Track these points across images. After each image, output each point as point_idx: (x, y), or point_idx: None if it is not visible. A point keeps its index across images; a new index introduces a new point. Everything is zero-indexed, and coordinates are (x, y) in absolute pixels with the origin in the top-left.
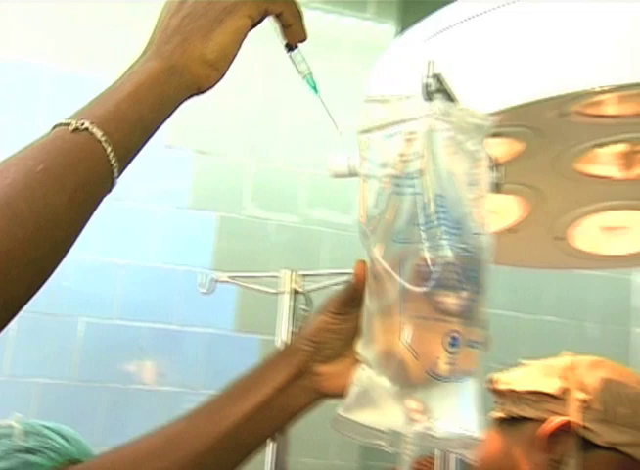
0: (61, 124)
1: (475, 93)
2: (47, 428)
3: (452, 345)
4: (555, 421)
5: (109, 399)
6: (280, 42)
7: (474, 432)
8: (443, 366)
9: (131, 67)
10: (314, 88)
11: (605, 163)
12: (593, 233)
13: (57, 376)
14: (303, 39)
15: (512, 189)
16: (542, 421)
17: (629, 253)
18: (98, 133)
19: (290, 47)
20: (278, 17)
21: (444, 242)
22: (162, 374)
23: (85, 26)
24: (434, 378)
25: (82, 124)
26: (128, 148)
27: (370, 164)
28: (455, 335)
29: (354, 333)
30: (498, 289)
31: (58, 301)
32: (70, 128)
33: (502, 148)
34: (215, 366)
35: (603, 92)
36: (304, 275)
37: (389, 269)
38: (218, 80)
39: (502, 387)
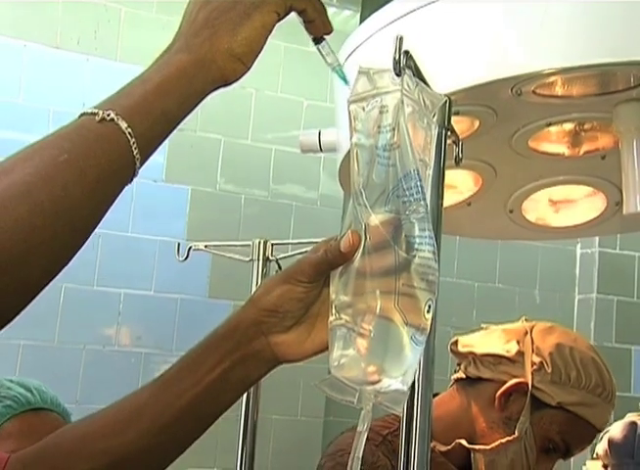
0: (87, 113)
1: (434, 73)
2: (9, 380)
3: (428, 311)
4: (510, 382)
5: (88, 359)
6: (307, 36)
7: (407, 386)
8: (421, 333)
9: (160, 58)
10: (344, 79)
11: (555, 141)
12: (542, 206)
13: (39, 338)
14: (328, 32)
15: (468, 164)
16: (499, 382)
17: (575, 224)
18: (123, 125)
19: (317, 40)
20: (302, 13)
21: (425, 215)
22: (139, 337)
23: (60, 5)
24: (414, 344)
25: (108, 115)
26: (151, 140)
27: (358, 134)
28: (430, 303)
29: (316, 299)
30: (455, 259)
31: None
32: (97, 118)
33: (460, 125)
34: (189, 330)
35: (552, 74)
36: (275, 244)
37: (388, 238)
38: (244, 73)
39: (463, 349)
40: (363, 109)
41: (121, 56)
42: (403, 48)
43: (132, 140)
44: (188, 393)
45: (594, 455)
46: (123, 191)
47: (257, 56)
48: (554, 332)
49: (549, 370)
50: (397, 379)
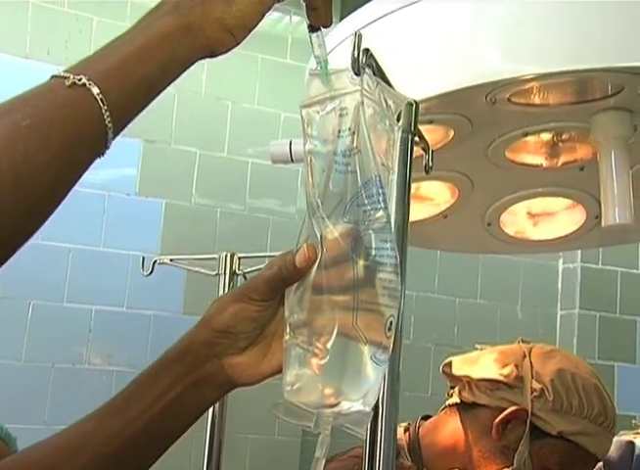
0: (58, 76)
1: (406, 80)
2: None
3: (389, 329)
4: (508, 410)
5: (57, 378)
6: (305, 21)
7: (370, 407)
8: (382, 352)
9: (145, 17)
10: (325, 75)
11: (532, 151)
12: (521, 219)
13: (5, 356)
14: (327, 24)
15: (444, 176)
16: (496, 408)
17: (555, 237)
18: (95, 90)
19: (313, 28)
20: None
21: (387, 225)
22: (110, 355)
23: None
24: (375, 363)
25: (80, 80)
26: (127, 108)
27: (313, 140)
28: (392, 320)
29: (271, 318)
30: (436, 274)
31: (7, 284)
32: (67, 83)
33: (434, 135)
34: (163, 348)
35: (528, 80)
36: (242, 257)
37: (347, 250)
38: (232, 47)
39: (457, 373)
40: (318, 112)
41: None
42: (364, 44)
43: (104, 107)
44: (137, 420)
45: None
46: (94, 205)
47: (249, 32)
48: (554, 356)
49: (550, 398)
50: (357, 401)
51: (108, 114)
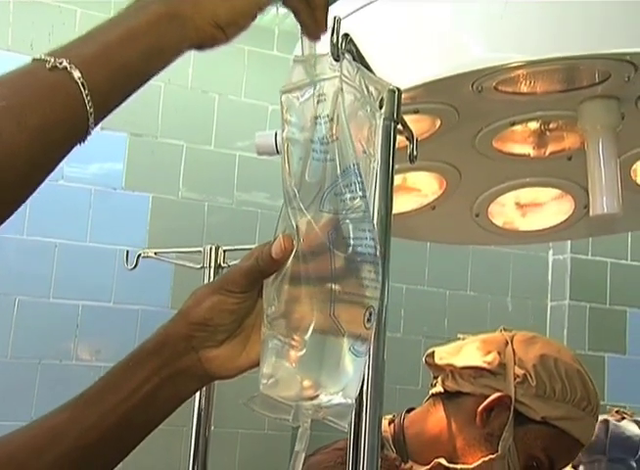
0: (39, 59)
1: (390, 69)
2: None
3: (369, 320)
4: (492, 396)
5: (44, 375)
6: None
7: (352, 399)
8: (362, 343)
9: (132, 4)
10: (310, 74)
11: (520, 141)
12: (509, 210)
13: None
14: (319, 33)
15: (431, 166)
16: (480, 396)
17: (543, 228)
18: (76, 74)
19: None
20: (295, 13)
21: (367, 215)
22: (98, 350)
23: None
24: (354, 355)
25: (61, 63)
26: (109, 94)
27: (291, 127)
28: (371, 311)
29: (250, 311)
30: (426, 266)
31: None
32: (47, 66)
33: (420, 125)
34: None
35: (514, 68)
36: (227, 250)
37: (324, 240)
38: (221, 44)
39: (440, 362)
40: (297, 99)
41: None
42: (346, 31)
43: (85, 91)
44: (112, 413)
45: None
46: (81, 199)
47: (241, 31)
48: (536, 342)
49: (533, 383)
50: (337, 394)
51: (89, 98)
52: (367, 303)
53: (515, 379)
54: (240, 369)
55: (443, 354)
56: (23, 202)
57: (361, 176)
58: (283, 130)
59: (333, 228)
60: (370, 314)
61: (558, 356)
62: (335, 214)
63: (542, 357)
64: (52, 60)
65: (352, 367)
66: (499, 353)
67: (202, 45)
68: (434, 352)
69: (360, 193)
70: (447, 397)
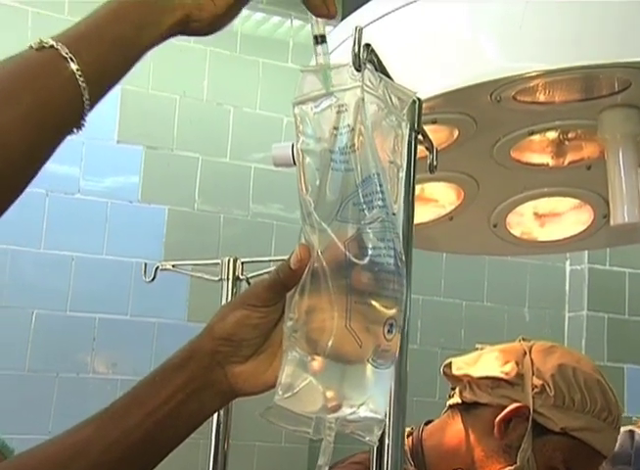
0: (29, 47)
1: (408, 79)
2: None
3: (390, 332)
4: (510, 407)
5: (61, 388)
6: (310, 31)
7: (380, 414)
8: (382, 354)
9: None
10: (326, 85)
11: (538, 151)
12: (527, 220)
13: (9, 367)
14: (330, 15)
15: (449, 176)
16: (498, 407)
17: (562, 238)
18: (64, 50)
19: (317, 40)
20: None
21: (385, 224)
22: (115, 363)
23: None
24: (374, 366)
25: (47, 42)
26: (102, 69)
27: (306, 138)
28: (392, 322)
29: (275, 325)
30: (442, 277)
31: (10, 293)
32: (35, 46)
33: (438, 135)
34: (167, 356)
35: (533, 77)
36: (245, 262)
37: (342, 250)
38: (210, 18)
39: (457, 372)
40: (311, 109)
41: None
42: (363, 41)
43: (75, 67)
44: (137, 428)
45: None
46: (97, 212)
47: (230, 6)
48: (555, 352)
49: (551, 394)
50: (361, 406)
51: (80, 73)
52: (387, 313)
53: (533, 389)
54: (266, 385)
55: (461, 365)
56: (21, 189)
57: (382, 186)
58: (297, 142)
59: (350, 238)
60: (391, 326)
61: (577, 366)
62: (353, 224)
63: (560, 367)
64: (39, 40)
65: (374, 379)
66: (517, 364)
67: (189, 16)
68: (451, 363)
69: (380, 203)
70: (465, 408)
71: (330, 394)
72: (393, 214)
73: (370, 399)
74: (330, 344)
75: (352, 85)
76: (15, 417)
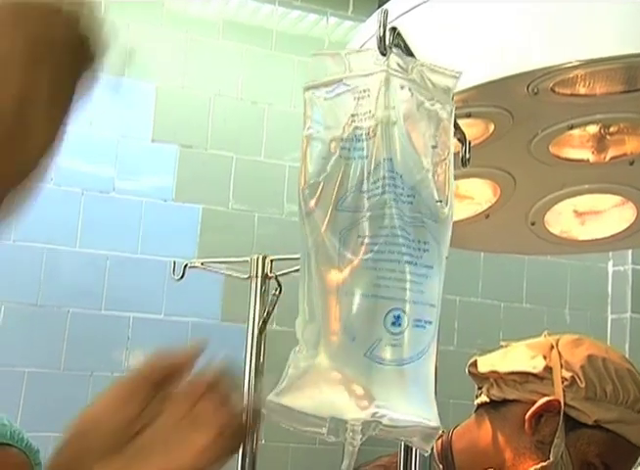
0: None
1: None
2: None
3: (394, 324)
4: (540, 402)
5: (96, 387)
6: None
7: (430, 421)
8: (385, 348)
9: None
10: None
11: (578, 146)
12: (567, 218)
13: (44, 365)
14: None
15: (485, 173)
16: (527, 402)
17: (603, 237)
18: None
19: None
20: None
21: (391, 210)
22: None
23: None
24: (374, 362)
25: None
26: None
27: (314, 124)
28: (398, 313)
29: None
30: (480, 278)
31: (46, 292)
32: None
33: (473, 129)
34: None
35: (572, 68)
36: (275, 259)
37: (332, 240)
38: None
39: (484, 370)
40: (324, 95)
41: None
42: (389, 24)
43: None
44: None
45: None
46: (131, 211)
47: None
48: (582, 344)
49: (582, 385)
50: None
51: None
52: (388, 304)
53: (563, 382)
54: None
55: (487, 362)
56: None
57: (392, 171)
58: (305, 128)
59: (348, 227)
60: (395, 317)
61: (606, 356)
62: (354, 212)
63: (590, 358)
64: None
65: (381, 377)
66: (545, 357)
67: None
68: (476, 361)
69: (384, 188)
70: (493, 406)
71: (358, 390)
72: (410, 197)
73: (394, 401)
74: (324, 338)
75: (375, 70)
76: (50, 415)
